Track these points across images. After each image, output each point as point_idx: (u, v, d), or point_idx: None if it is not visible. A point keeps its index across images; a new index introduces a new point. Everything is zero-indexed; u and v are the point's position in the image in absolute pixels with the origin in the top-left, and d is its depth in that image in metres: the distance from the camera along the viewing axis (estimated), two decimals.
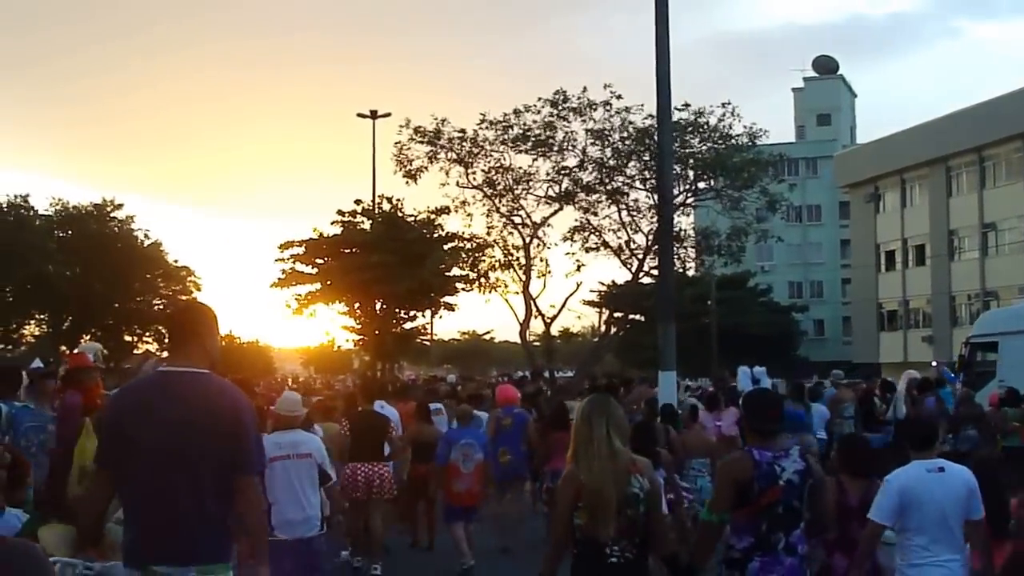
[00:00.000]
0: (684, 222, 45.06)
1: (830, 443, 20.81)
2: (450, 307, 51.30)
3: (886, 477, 7.94)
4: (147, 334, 77.84)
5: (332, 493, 11.31)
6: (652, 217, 40.50)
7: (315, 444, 11.07)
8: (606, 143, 41.80)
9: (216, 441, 5.61)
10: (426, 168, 43.38)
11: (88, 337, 66.12)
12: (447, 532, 15.34)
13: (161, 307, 76.66)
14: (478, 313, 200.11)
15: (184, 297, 79.26)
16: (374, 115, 53.30)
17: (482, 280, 46.24)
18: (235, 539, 5.88)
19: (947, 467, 7.89)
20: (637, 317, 60.79)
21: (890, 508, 7.69)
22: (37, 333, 72.51)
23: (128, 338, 75.70)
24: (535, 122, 41.99)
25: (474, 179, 43.70)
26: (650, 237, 41.11)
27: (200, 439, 5.55)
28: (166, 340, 6.59)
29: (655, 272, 36.00)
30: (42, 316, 71.79)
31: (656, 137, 31.63)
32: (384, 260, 45.26)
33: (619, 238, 43.50)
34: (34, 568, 3.02)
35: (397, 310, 51.31)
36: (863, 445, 9.18)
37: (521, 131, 42.16)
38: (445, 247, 47.79)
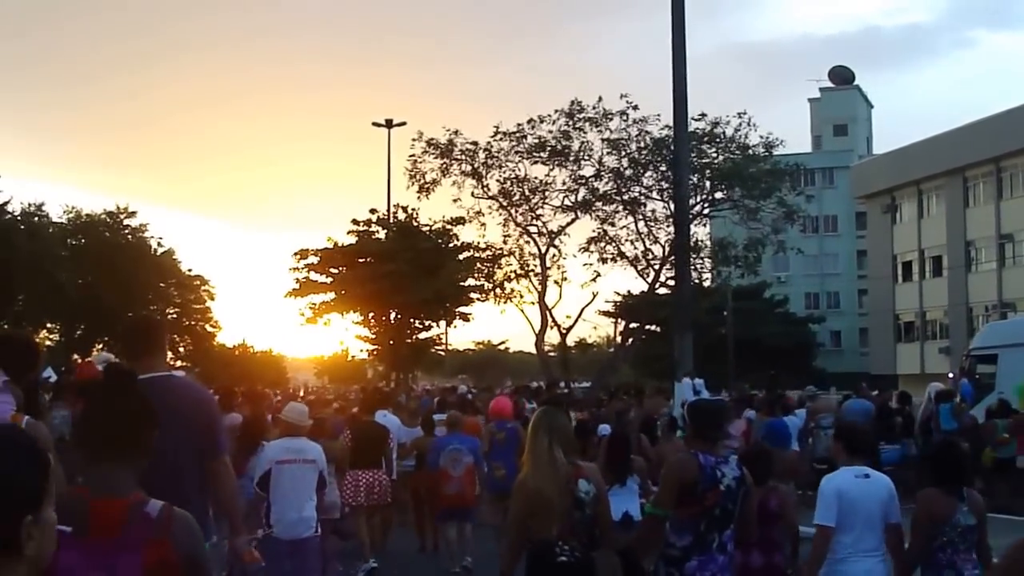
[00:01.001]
0: (701, 233, 44.87)
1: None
2: (465, 317, 51.16)
3: (821, 483, 8.47)
4: None
5: (322, 498, 11.90)
6: (669, 227, 40.32)
7: (318, 452, 11.71)
8: (623, 153, 41.67)
9: (190, 434, 6.37)
10: (439, 182, 43.32)
11: (101, 346, 65.97)
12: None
13: (175, 316, 76.62)
14: (493, 323, 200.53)
15: (197, 306, 79.42)
16: (389, 124, 53.19)
17: (497, 290, 46.11)
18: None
19: (872, 474, 8.44)
20: (653, 328, 60.60)
21: (831, 510, 8.15)
22: (49, 342, 72.34)
23: None
24: (550, 132, 41.90)
25: (488, 190, 43.61)
26: (667, 247, 40.93)
27: (175, 434, 5.98)
28: (128, 349, 6.90)
29: (671, 283, 35.80)
30: (55, 324, 71.66)
31: (673, 147, 31.45)
32: (399, 270, 45.14)
33: (636, 248, 43.37)
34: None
35: (412, 320, 51.22)
36: (765, 456, 9.76)
37: (536, 141, 42.07)
38: (460, 257, 47.66)
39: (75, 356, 59.98)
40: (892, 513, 8.22)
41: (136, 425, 3.95)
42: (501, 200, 43.80)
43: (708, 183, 42.94)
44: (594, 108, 41.40)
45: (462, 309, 50.38)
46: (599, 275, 43.64)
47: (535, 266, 44.24)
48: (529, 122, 42.28)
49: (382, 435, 15.76)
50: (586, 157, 42.28)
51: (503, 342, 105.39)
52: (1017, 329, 35.49)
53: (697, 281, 46.06)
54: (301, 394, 42.25)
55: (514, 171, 43.32)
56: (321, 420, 14.93)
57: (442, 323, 54.17)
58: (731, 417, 8.07)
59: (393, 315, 50.13)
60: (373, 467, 15.32)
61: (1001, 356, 31.76)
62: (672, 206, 35.45)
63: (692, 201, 38.63)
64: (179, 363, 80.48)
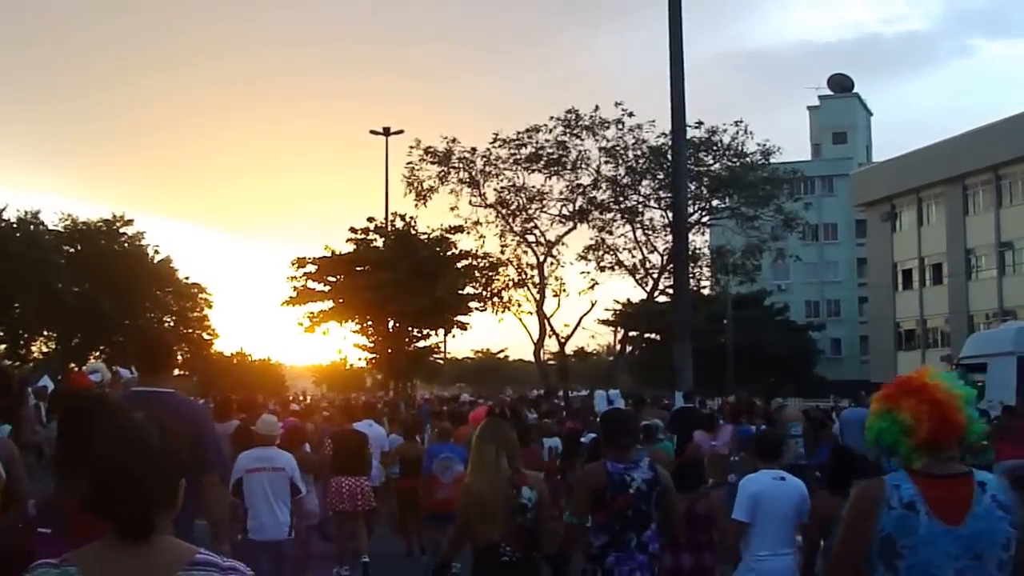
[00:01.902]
0: (699, 241, 44.72)
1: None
2: (463, 326, 51.00)
3: (740, 483, 9.35)
4: None
5: (300, 504, 12.58)
6: (667, 236, 40.19)
7: (288, 460, 12.38)
8: (620, 161, 41.55)
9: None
10: (436, 190, 43.17)
11: (97, 354, 65.72)
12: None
13: (172, 324, 76.38)
14: (492, 331, 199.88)
15: (194, 314, 79.14)
16: (387, 132, 53.05)
17: (495, 299, 45.96)
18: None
19: (787, 477, 9.32)
20: (652, 336, 60.42)
21: (746, 508, 8.97)
22: (46, 350, 72.11)
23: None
24: (547, 141, 41.77)
25: (486, 199, 43.47)
26: (665, 256, 40.79)
27: None
28: (140, 363, 7.36)
29: (670, 291, 35.66)
30: (51, 333, 71.38)
31: (670, 155, 31.31)
32: (397, 278, 45.02)
33: (634, 257, 43.25)
34: None
35: (410, 328, 51.06)
36: (696, 465, 10.77)
37: (533, 150, 41.93)
38: (458, 265, 47.50)
39: (72, 364, 59.70)
40: (804, 513, 9.02)
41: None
42: (499, 209, 43.67)
43: (706, 191, 42.82)
44: (590, 117, 41.28)
45: (460, 318, 50.21)
46: (596, 284, 43.50)
47: (533, 275, 44.11)
48: (527, 131, 42.18)
49: (362, 443, 16.31)
50: (583, 166, 42.16)
51: (502, 350, 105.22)
52: (1005, 337, 35.50)
53: (696, 289, 45.94)
54: (303, 399, 42.31)
55: (511, 180, 43.22)
56: (302, 429, 16.17)
57: (440, 331, 53.96)
58: (638, 428, 8.74)
59: (391, 323, 50.02)
60: (356, 474, 15.81)
61: (990, 365, 32.18)
62: (670, 214, 35.34)
63: (690, 209, 38.51)
64: (176, 371, 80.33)
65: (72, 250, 69.81)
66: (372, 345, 53.04)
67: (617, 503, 7.89)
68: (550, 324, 44.20)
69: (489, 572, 7.69)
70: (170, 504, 3.23)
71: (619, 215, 42.75)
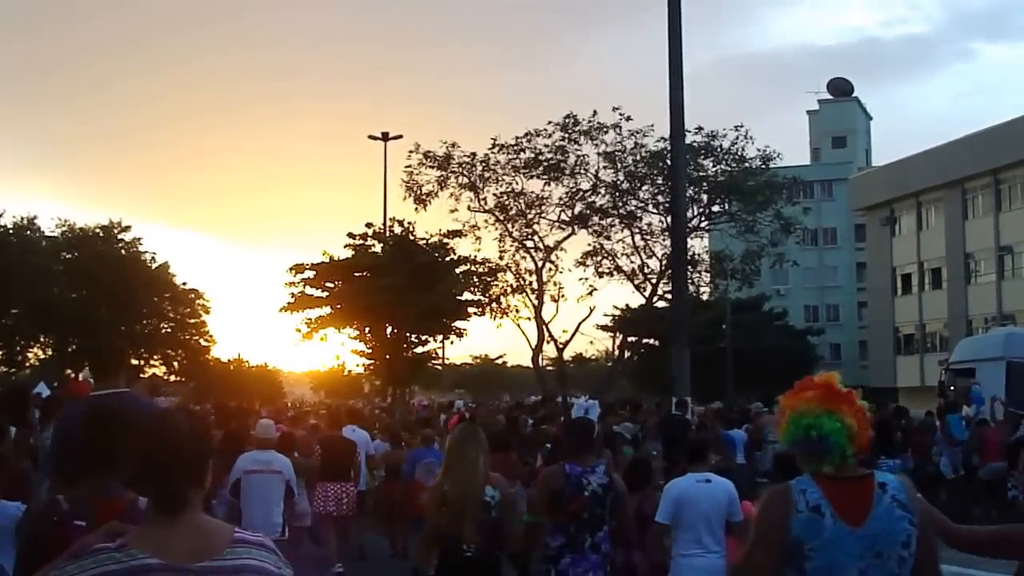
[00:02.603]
0: (698, 246, 44.61)
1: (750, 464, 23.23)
2: (461, 332, 50.79)
3: (665, 487, 9.80)
4: (154, 357, 77.28)
5: (292, 505, 13.46)
6: (666, 241, 40.11)
7: (284, 463, 13.24)
8: (619, 166, 41.44)
9: None
10: (436, 194, 43.07)
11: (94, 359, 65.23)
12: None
13: (169, 330, 76.19)
14: (491, 337, 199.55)
15: (192, 320, 78.89)
16: (386, 137, 52.87)
17: (494, 305, 45.83)
18: None
19: (713, 479, 9.64)
20: (651, 341, 60.23)
21: (668, 511, 9.33)
22: (42, 356, 71.84)
23: (135, 361, 75.03)
24: (546, 146, 41.65)
25: (485, 203, 43.37)
26: (664, 261, 40.68)
27: None
28: (96, 370, 7.65)
29: (669, 296, 35.53)
30: (47, 339, 71.11)
31: (669, 160, 31.18)
32: (395, 284, 44.77)
33: (632, 262, 43.17)
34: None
35: (408, 334, 50.79)
36: (643, 465, 11.44)
37: (532, 155, 41.82)
38: (457, 271, 47.32)
39: (68, 371, 59.50)
40: (734, 513, 9.35)
41: (119, 447, 4.51)
42: (497, 214, 43.54)
43: (705, 196, 42.71)
44: (589, 121, 41.16)
45: (458, 324, 49.97)
46: (595, 289, 43.41)
47: (531, 281, 43.99)
48: (525, 136, 42.06)
49: (349, 449, 17.04)
50: (582, 171, 42.04)
51: (500, 356, 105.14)
52: (994, 342, 36.58)
53: (695, 294, 45.82)
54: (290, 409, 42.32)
55: (510, 185, 43.10)
56: (291, 436, 16.78)
57: (439, 337, 53.72)
58: (596, 437, 10.06)
59: (389, 329, 49.72)
60: (341, 479, 16.51)
61: (979, 370, 33.01)
62: (669, 219, 35.21)
63: (689, 214, 38.40)
64: (173, 377, 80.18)
65: (69, 256, 69.59)
66: (370, 351, 52.70)
67: (573, 505, 8.53)
68: (548, 330, 44.11)
69: (452, 566, 8.23)
70: (200, 482, 3.64)
71: (618, 220, 42.64)
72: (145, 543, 3.46)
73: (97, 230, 71.34)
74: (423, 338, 52.75)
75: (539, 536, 8.83)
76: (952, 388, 33.99)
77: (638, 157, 41.18)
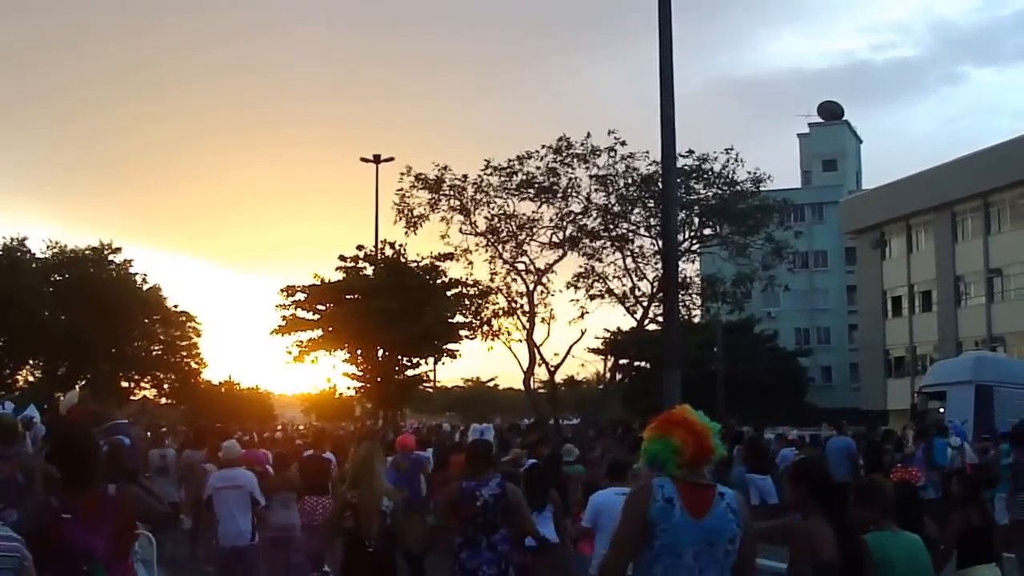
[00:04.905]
0: (689, 269, 44.62)
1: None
2: (452, 354, 50.76)
3: (590, 497, 11.20)
4: (144, 380, 76.96)
5: (259, 515, 15.03)
6: (657, 264, 40.08)
7: (248, 478, 14.87)
8: (610, 189, 41.47)
9: None
10: (427, 217, 43.05)
11: (84, 382, 65.18)
12: None
13: (160, 352, 75.83)
14: (482, 360, 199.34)
15: (183, 343, 78.59)
16: (377, 159, 52.94)
17: (485, 327, 45.81)
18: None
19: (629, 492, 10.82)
20: (642, 364, 60.22)
21: (590, 517, 10.77)
22: (31, 379, 71.41)
23: (125, 384, 74.83)
24: (538, 168, 41.68)
25: (476, 227, 43.35)
26: (655, 284, 40.67)
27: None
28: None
29: (660, 319, 35.53)
30: (37, 362, 70.71)
31: (660, 183, 31.23)
32: (386, 306, 44.76)
33: (623, 285, 43.13)
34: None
35: (399, 357, 50.76)
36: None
37: (525, 177, 41.84)
38: (448, 293, 47.31)
39: (58, 394, 59.20)
40: None
41: (94, 456, 6.82)
42: (489, 237, 43.54)
43: (696, 219, 42.76)
44: (582, 144, 41.20)
45: (450, 346, 49.94)
46: (586, 312, 43.34)
47: (523, 303, 43.95)
48: (518, 158, 42.09)
49: (325, 467, 18.37)
50: (574, 194, 42.06)
51: (492, 379, 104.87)
52: (963, 367, 37.02)
53: (686, 317, 45.80)
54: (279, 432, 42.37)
55: (502, 207, 43.10)
56: (257, 456, 18.57)
57: (430, 360, 53.69)
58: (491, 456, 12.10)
59: (381, 352, 49.69)
60: (320, 494, 17.62)
61: (949, 393, 34.08)
62: (660, 242, 35.22)
63: (680, 237, 38.40)
64: (164, 400, 79.92)
65: (59, 278, 69.23)
66: (361, 374, 52.63)
67: (465, 512, 10.43)
68: (540, 352, 44.02)
69: (355, 558, 10.13)
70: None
71: (609, 243, 42.65)
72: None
73: (88, 252, 70.90)
74: (414, 361, 52.71)
75: (441, 535, 11.11)
76: (923, 412, 34.53)
77: (630, 180, 41.21)
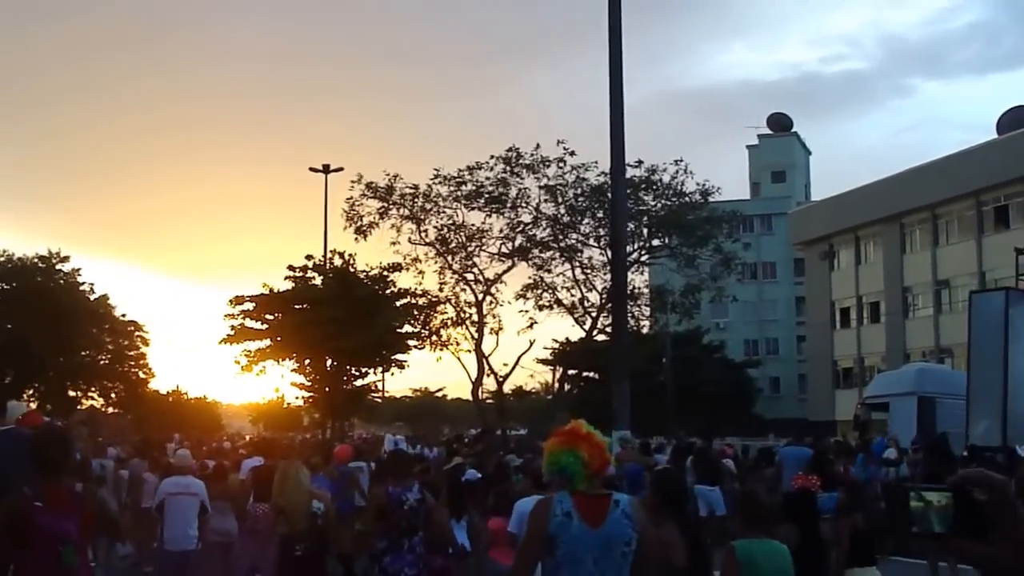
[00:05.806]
0: (638, 280, 44.76)
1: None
2: (400, 364, 50.60)
3: (516, 503, 11.39)
4: (92, 389, 76.24)
5: (204, 521, 15.37)
6: (606, 275, 40.18)
7: (200, 487, 15.48)
8: (560, 200, 41.53)
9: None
10: (377, 224, 42.97)
11: (31, 392, 64.46)
12: None
13: (107, 362, 75.13)
14: (431, 370, 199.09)
15: (130, 352, 77.94)
16: (326, 169, 52.71)
17: (434, 337, 45.73)
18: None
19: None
20: (591, 375, 60.25)
21: (515, 523, 10.76)
22: None
23: (72, 393, 74.03)
24: (488, 179, 41.69)
25: (426, 236, 43.31)
26: (604, 295, 40.77)
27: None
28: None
29: (609, 330, 35.59)
30: None
31: (610, 194, 31.29)
32: (335, 316, 44.57)
33: (572, 296, 43.23)
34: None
35: (348, 367, 50.53)
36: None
37: (474, 187, 41.85)
38: (397, 304, 47.16)
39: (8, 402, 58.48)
40: None
41: (62, 455, 7.40)
42: (438, 247, 43.48)
43: (645, 230, 42.89)
44: (531, 155, 41.24)
45: (399, 356, 49.77)
46: (535, 322, 43.43)
47: (471, 313, 43.93)
48: (468, 168, 42.08)
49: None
50: (523, 204, 42.09)
51: (440, 389, 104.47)
52: (906, 378, 37.24)
53: (635, 328, 45.92)
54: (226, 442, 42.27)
55: (452, 217, 43.07)
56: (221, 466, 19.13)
57: (379, 370, 53.48)
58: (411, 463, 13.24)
59: (329, 362, 49.44)
60: (267, 501, 18.20)
61: (892, 404, 34.41)
62: (609, 253, 35.30)
63: (629, 248, 38.49)
64: (111, 409, 79.18)
65: (7, 286, 68.51)
66: (310, 383, 52.37)
67: (393, 516, 11.04)
68: (488, 363, 44.07)
69: (286, 561, 11.10)
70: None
71: (558, 253, 42.70)
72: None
73: (35, 260, 70.19)
74: (363, 371, 52.50)
75: (367, 541, 11.67)
76: (864, 422, 35.40)
77: (579, 191, 41.28)
